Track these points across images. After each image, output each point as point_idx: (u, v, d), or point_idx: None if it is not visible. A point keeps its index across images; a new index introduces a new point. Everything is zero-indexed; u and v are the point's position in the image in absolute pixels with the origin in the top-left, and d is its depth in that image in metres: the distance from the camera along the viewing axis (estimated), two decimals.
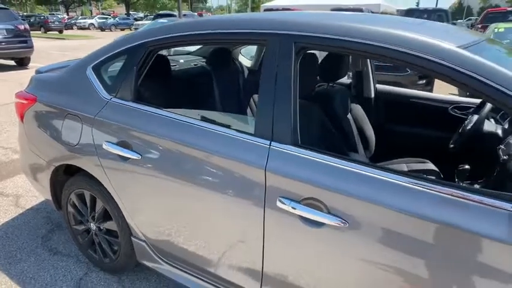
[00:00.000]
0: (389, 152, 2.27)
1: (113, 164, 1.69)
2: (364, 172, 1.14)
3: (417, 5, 43.25)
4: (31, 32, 9.46)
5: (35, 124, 2.06)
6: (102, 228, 1.97)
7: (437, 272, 1.04)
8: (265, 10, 14.17)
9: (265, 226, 1.31)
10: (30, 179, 2.31)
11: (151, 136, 1.56)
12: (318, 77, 1.96)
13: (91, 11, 50.68)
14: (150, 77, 1.75)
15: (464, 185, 1.09)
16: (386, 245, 1.10)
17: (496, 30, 7.20)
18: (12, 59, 9.22)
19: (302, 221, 1.22)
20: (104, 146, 1.70)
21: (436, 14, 12.12)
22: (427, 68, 1.08)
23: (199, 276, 1.65)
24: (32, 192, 2.96)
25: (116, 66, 1.82)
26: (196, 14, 29.41)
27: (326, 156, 1.22)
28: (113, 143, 1.68)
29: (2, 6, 9.43)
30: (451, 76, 1.05)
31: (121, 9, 53.11)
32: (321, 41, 1.25)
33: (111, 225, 1.91)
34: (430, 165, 2.00)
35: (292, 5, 18.43)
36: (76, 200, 2.05)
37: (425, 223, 1.04)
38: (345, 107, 2.21)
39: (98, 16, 34.76)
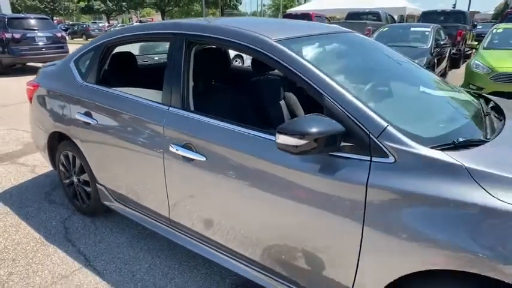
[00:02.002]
0: None
1: (82, 129, 2.37)
2: (216, 124, 1.71)
3: (454, 7, 42.22)
4: (75, 39, 10.69)
5: (38, 104, 2.80)
6: (80, 180, 2.66)
7: (247, 180, 1.58)
8: (284, 16, 14.71)
9: (164, 166, 1.91)
10: (38, 148, 3.07)
11: (103, 106, 2.22)
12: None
13: (130, 19, 53.75)
14: (108, 66, 2.41)
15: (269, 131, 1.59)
16: (227, 170, 1.66)
17: (494, 30, 7.31)
18: None
19: (182, 159, 1.81)
20: (76, 116, 2.38)
21: (453, 17, 12.10)
22: (249, 52, 1.64)
23: (137, 211, 2.27)
24: (46, 164, 3.73)
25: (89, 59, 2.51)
26: None
27: (199, 116, 1.79)
28: (81, 114, 2.35)
29: (44, 16, 10.76)
30: (264, 60, 1.60)
31: (159, 17, 55.77)
32: (199, 37, 1.85)
33: (85, 177, 2.59)
34: None
35: (313, 10, 18.86)
36: (64, 160, 2.75)
37: (245, 155, 1.59)
38: (277, 94, 2.75)
39: (135, 23, 36.85)
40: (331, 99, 1.39)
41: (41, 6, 45.61)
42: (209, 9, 50.09)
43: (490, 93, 6.31)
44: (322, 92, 1.42)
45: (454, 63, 10.55)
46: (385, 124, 1.31)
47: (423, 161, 1.23)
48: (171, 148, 1.84)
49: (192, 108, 1.89)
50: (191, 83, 1.91)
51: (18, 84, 8.37)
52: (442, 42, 7.85)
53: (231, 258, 1.83)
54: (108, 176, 2.37)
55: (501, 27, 7.41)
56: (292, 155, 1.40)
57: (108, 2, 44.89)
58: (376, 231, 1.27)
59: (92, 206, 2.64)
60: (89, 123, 2.30)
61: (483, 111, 1.80)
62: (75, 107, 2.41)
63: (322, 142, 1.28)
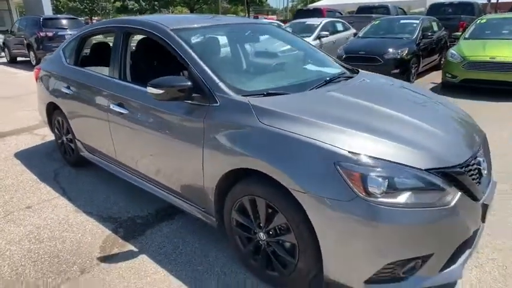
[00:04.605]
0: None
1: (65, 98, 3.24)
2: (135, 87, 2.48)
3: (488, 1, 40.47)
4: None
5: (40, 82, 3.72)
6: (67, 138, 3.55)
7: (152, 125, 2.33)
8: (297, 12, 15.25)
9: (109, 120, 2.71)
10: (41, 117, 4.00)
11: (76, 80, 3.07)
12: None
13: None
14: (89, 52, 3.27)
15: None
16: (137, 118, 2.43)
17: (478, 21, 7.55)
18: None
19: (117, 113, 2.60)
20: (62, 89, 3.26)
21: (460, 8, 12.14)
22: (154, 38, 2.40)
23: (99, 157, 3.11)
24: (52, 134, 4.70)
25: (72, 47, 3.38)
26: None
27: (128, 83, 2.58)
28: (65, 87, 3.22)
29: (72, 16, 12.07)
30: (159, 41, 2.36)
31: None
32: (129, 28, 2.63)
33: (70, 136, 3.47)
34: None
35: (334, 5, 19.20)
36: (57, 124, 3.66)
37: (146, 105, 2.35)
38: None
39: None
40: (193, 67, 2.11)
41: (81, 7, 48.74)
42: (237, 7, 50.89)
43: (462, 81, 6.65)
44: (189, 63, 2.15)
45: None
46: (218, 81, 2.02)
47: (233, 103, 1.94)
48: (111, 106, 2.64)
49: (128, 79, 2.68)
50: (128, 61, 2.70)
51: None
52: (429, 33, 8.15)
53: (149, 183, 2.60)
54: (81, 132, 3.23)
55: (485, 18, 7.62)
56: (167, 103, 2.13)
57: (141, 1, 47.13)
58: (210, 149, 1.99)
59: (75, 158, 3.52)
60: (68, 93, 3.17)
61: (327, 77, 2.41)
62: (61, 82, 3.29)
63: (176, 93, 2.00)
